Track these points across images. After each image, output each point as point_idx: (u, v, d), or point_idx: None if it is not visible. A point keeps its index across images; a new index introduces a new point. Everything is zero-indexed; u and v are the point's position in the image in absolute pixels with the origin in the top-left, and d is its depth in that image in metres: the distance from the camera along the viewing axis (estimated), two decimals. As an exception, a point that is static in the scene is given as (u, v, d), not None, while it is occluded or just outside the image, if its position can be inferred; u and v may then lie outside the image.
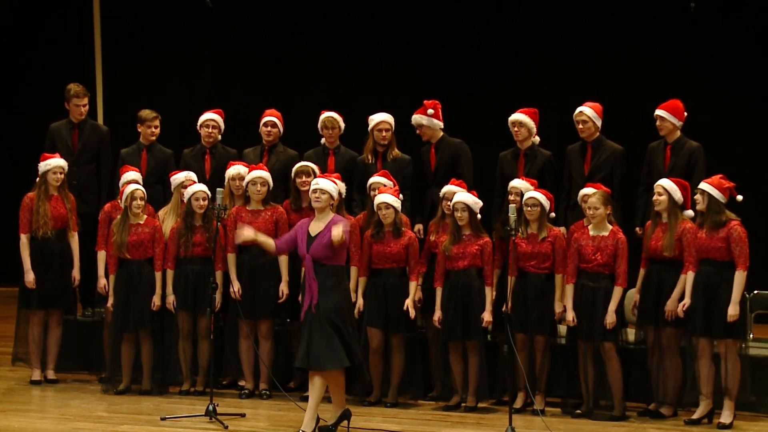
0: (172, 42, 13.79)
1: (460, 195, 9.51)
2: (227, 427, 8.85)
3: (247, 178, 9.88)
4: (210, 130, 10.66)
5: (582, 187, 9.73)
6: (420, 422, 9.24)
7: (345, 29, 13.34)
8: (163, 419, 9.15)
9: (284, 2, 13.42)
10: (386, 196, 9.57)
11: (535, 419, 9.15)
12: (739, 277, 8.97)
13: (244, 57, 13.54)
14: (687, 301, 9.09)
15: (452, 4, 13.08)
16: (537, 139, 10.18)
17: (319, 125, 10.54)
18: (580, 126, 10.09)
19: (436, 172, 10.37)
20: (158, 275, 9.96)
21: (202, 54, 13.71)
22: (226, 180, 10.02)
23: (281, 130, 10.62)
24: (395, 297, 9.63)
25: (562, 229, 9.76)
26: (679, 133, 9.94)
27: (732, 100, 12.22)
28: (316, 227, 8.65)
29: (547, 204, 9.44)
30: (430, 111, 10.28)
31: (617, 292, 9.22)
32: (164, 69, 13.76)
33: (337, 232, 8.44)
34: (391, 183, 9.81)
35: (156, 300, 9.94)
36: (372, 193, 9.82)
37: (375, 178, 9.87)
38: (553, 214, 9.64)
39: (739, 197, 9.06)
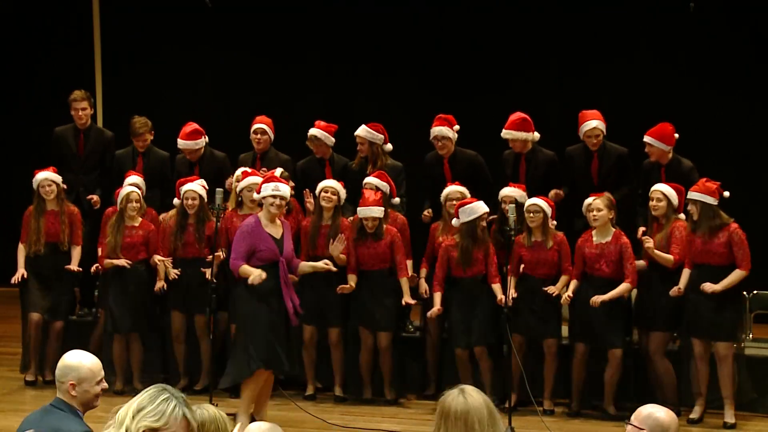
0: (171, 43, 13.80)
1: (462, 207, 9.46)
2: (227, 426, 8.84)
3: (242, 184, 9.75)
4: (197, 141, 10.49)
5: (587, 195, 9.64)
6: (420, 422, 9.24)
7: (344, 32, 13.35)
8: (162, 419, 9.12)
9: (284, 3, 13.43)
10: (372, 209, 9.50)
11: (535, 419, 9.13)
12: (738, 274, 8.98)
13: (244, 58, 13.55)
14: (681, 287, 9.06)
15: (450, 7, 13.11)
16: (536, 135, 10.09)
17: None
18: (594, 141, 9.93)
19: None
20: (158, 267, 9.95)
21: (202, 55, 13.71)
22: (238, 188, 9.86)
23: (271, 136, 10.49)
24: (382, 297, 9.63)
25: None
26: (671, 155, 9.74)
27: (730, 100, 12.23)
28: (274, 230, 8.74)
29: (549, 210, 9.42)
30: (457, 127, 10.10)
31: (623, 286, 9.17)
32: (164, 71, 13.77)
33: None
34: (386, 185, 9.78)
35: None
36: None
37: (369, 179, 9.80)
38: (554, 222, 9.57)
39: (726, 193, 9.03)
